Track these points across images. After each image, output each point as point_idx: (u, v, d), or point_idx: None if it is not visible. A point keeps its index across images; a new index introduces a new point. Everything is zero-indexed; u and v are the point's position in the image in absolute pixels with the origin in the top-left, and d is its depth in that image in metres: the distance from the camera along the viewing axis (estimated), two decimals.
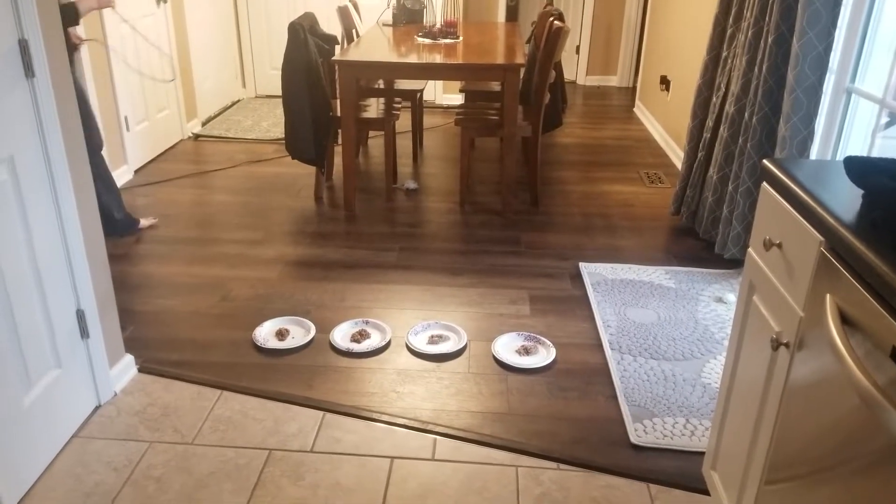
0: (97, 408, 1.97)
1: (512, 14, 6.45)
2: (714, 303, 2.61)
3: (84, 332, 1.89)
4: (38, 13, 1.64)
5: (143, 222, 3.17)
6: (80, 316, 1.87)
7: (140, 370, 2.15)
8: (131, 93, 3.88)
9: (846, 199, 1.14)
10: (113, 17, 3.62)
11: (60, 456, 1.80)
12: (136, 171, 3.95)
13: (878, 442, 0.92)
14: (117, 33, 3.70)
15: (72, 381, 1.86)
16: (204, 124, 4.87)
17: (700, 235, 3.10)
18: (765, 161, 1.35)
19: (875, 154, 2.28)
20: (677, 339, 2.38)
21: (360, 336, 2.34)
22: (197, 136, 4.63)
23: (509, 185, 3.36)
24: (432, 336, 2.36)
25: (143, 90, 4.02)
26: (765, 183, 1.35)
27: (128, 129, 3.83)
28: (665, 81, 4.62)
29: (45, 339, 1.75)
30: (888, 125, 2.30)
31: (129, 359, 2.12)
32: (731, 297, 2.63)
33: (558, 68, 4.02)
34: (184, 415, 1.96)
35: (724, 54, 2.93)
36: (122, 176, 3.77)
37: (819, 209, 1.12)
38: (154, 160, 4.16)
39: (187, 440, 1.86)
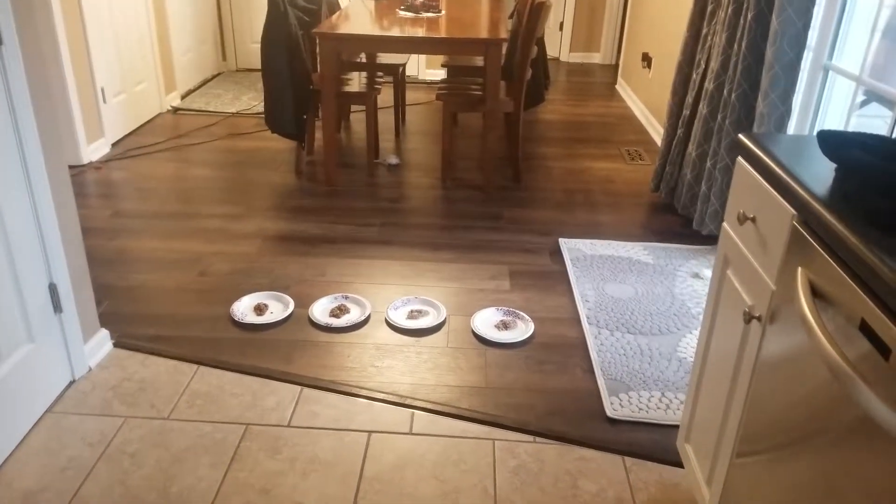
0: (71, 383, 1.95)
1: None
2: (691, 278, 2.64)
3: (57, 307, 1.86)
4: None
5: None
6: (53, 290, 1.84)
7: (115, 345, 2.13)
8: (108, 64, 3.79)
9: (819, 173, 1.15)
10: None
11: (34, 431, 1.78)
12: (114, 145, 3.87)
13: (847, 415, 0.94)
14: (94, 3, 3.59)
15: (45, 355, 1.84)
16: (183, 97, 4.78)
17: (679, 212, 3.12)
18: (740, 135, 1.35)
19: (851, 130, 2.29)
20: (654, 313, 2.40)
21: (339, 311, 2.33)
22: (176, 110, 4.54)
23: (491, 160, 3.35)
24: (412, 311, 2.36)
25: (120, 61, 3.92)
26: (739, 157, 1.35)
27: (104, 101, 3.75)
28: (647, 59, 4.61)
29: (17, 313, 1.72)
30: (864, 104, 2.31)
31: (104, 333, 2.10)
32: (708, 273, 2.66)
33: (541, 44, 3.99)
34: (160, 389, 1.95)
35: (705, 31, 2.92)
36: (98, 149, 3.70)
37: (792, 183, 1.13)
38: (132, 133, 4.08)
39: (163, 415, 1.85)
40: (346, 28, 3.24)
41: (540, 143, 4.15)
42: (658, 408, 1.96)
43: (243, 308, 2.34)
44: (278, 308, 2.35)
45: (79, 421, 1.82)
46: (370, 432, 1.83)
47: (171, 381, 1.98)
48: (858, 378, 0.84)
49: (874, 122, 2.34)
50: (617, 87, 5.51)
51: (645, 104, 4.64)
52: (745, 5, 2.55)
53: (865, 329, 0.91)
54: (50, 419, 1.82)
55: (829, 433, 0.98)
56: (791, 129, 2.48)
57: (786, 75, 2.33)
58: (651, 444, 1.83)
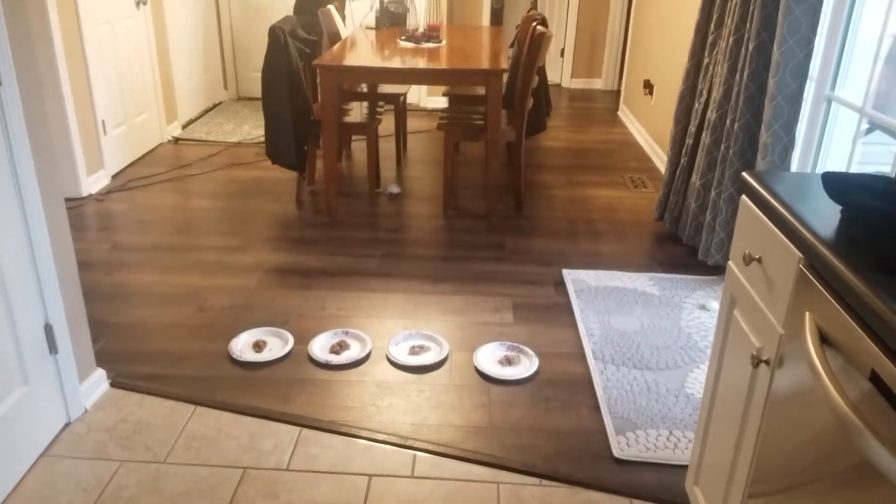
0: (66, 425, 1.92)
1: (497, 17, 6.43)
2: (697, 310, 2.60)
3: (52, 348, 1.84)
4: (5, 19, 1.58)
5: None
6: (49, 331, 1.82)
7: (112, 385, 2.10)
8: (109, 96, 3.81)
9: (825, 215, 1.12)
10: (90, 18, 3.55)
11: (28, 476, 1.74)
12: (114, 176, 3.88)
13: (852, 460, 0.92)
14: (95, 35, 3.63)
15: (39, 398, 1.80)
16: (184, 127, 4.80)
17: (684, 241, 3.09)
18: (744, 174, 1.33)
19: (856, 161, 2.27)
20: (661, 347, 2.36)
21: (339, 347, 2.30)
22: (177, 140, 4.56)
23: (493, 190, 3.34)
24: (413, 346, 2.32)
25: (121, 93, 3.95)
26: (744, 196, 1.33)
27: (105, 133, 3.76)
28: (648, 86, 4.62)
29: (11, 355, 1.69)
30: (868, 131, 2.29)
31: (100, 373, 2.07)
32: (715, 305, 2.62)
33: (542, 73, 4.00)
34: (156, 431, 1.91)
35: (706, 61, 2.92)
36: (99, 181, 3.70)
37: (798, 225, 1.10)
38: (132, 164, 4.09)
39: (159, 459, 1.81)
40: (347, 59, 3.25)
41: (542, 170, 4.14)
42: (666, 447, 1.91)
43: (242, 345, 2.31)
44: (277, 344, 2.32)
45: (74, 465, 1.78)
46: (371, 476, 1.78)
47: (167, 422, 1.95)
48: (867, 429, 0.81)
49: (878, 149, 2.32)
50: (619, 113, 5.52)
51: (647, 131, 4.63)
52: (746, 36, 2.55)
53: (875, 379, 0.88)
54: (45, 463, 1.78)
55: (838, 477, 0.96)
56: (795, 159, 2.46)
57: (789, 106, 2.32)
58: (659, 485, 1.78)
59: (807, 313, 1.06)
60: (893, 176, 1.19)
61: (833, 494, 0.97)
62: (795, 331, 1.10)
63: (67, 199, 3.41)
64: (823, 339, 1.01)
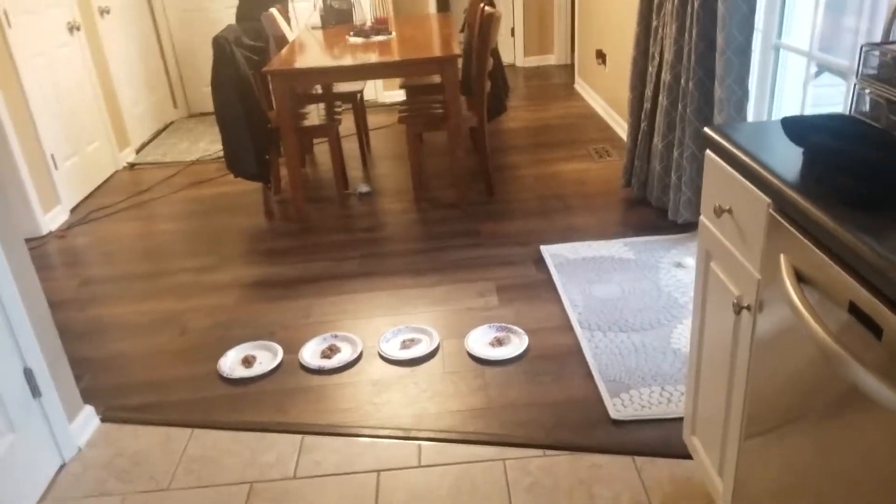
0: (62, 466, 1.88)
1: (443, 4, 6.40)
2: (674, 268, 2.64)
3: (35, 391, 1.80)
4: None
5: None
6: (29, 374, 1.78)
7: (103, 420, 2.06)
8: (55, 128, 3.71)
9: (788, 159, 1.15)
10: (23, 51, 3.45)
11: None
12: (72, 210, 3.79)
13: (838, 389, 0.96)
14: (31, 67, 3.53)
15: (29, 444, 1.77)
16: (138, 151, 4.71)
17: (653, 204, 3.14)
18: (705, 129, 1.35)
19: (809, 104, 2.33)
20: (643, 309, 2.40)
21: (329, 351, 2.29)
22: (132, 165, 4.47)
23: (461, 177, 3.34)
24: (404, 340, 2.33)
25: (67, 124, 3.85)
26: (708, 150, 1.36)
27: (56, 167, 3.66)
28: (601, 55, 4.66)
29: None
30: (817, 74, 2.35)
31: (88, 410, 2.03)
32: (690, 261, 2.67)
33: (496, 54, 4.01)
34: (155, 461, 1.89)
35: (655, 23, 2.95)
36: (57, 217, 3.61)
37: (763, 171, 1.13)
38: (89, 196, 4.00)
39: (162, 486, 1.79)
40: (298, 62, 3.22)
41: (508, 152, 4.16)
42: (660, 402, 1.95)
43: (230, 362, 2.29)
44: (266, 357, 2.30)
45: None
46: (378, 471, 1.79)
47: (165, 449, 1.93)
48: (849, 356, 0.84)
49: (829, 91, 2.38)
50: (575, 86, 5.56)
51: (605, 100, 4.68)
52: None
53: (854, 310, 0.91)
54: None
55: (825, 408, 1.00)
56: (751, 110, 2.50)
57: (738, 59, 2.36)
58: (658, 440, 1.82)
59: (781, 255, 1.09)
60: (847, 114, 1.23)
61: (823, 424, 1.01)
62: (772, 274, 1.14)
63: (27, 240, 3.33)
64: (800, 279, 1.05)
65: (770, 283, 1.15)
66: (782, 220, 1.08)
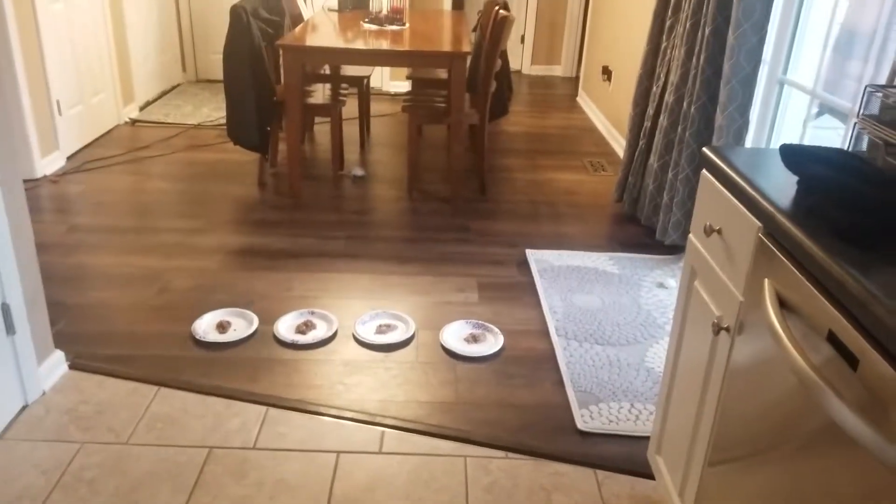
0: (24, 407, 1.86)
1: (458, 3, 6.42)
2: (656, 288, 2.67)
3: (10, 328, 1.78)
4: None
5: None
6: (6, 310, 1.76)
7: (71, 367, 2.04)
8: (65, 75, 3.67)
9: (782, 186, 1.17)
10: None
11: None
12: (69, 158, 3.75)
13: (815, 422, 0.95)
14: (49, 11, 3.48)
15: None
16: (142, 109, 4.67)
17: (642, 222, 3.17)
18: (704, 149, 1.37)
19: (807, 142, 2.36)
20: (621, 324, 2.42)
21: (305, 327, 2.29)
22: (134, 122, 4.43)
23: (457, 172, 3.35)
24: (380, 325, 2.33)
25: (76, 73, 3.81)
26: (704, 170, 1.37)
27: (60, 113, 3.63)
28: (607, 71, 4.69)
29: None
30: (818, 114, 2.39)
31: (59, 355, 2.01)
32: (672, 283, 2.70)
33: (504, 57, 4.02)
34: (118, 413, 1.87)
35: (664, 45, 2.98)
36: (53, 162, 3.57)
37: (757, 196, 1.15)
38: (88, 146, 3.96)
39: (122, 440, 1.78)
40: (310, 40, 3.21)
41: (504, 154, 4.17)
42: (628, 419, 1.97)
43: (205, 326, 2.27)
44: (242, 325, 2.29)
45: (32, 448, 1.73)
46: (339, 452, 1.79)
47: (129, 403, 1.91)
48: (827, 387, 0.85)
49: (828, 133, 2.42)
50: (578, 99, 5.59)
51: (606, 116, 4.71)
52: (702, 21, 2.62)
53: (833, 340, 0.93)
54: (1, 447, 1.73)
55: (798, 440, 0.99)
56: (749, 140, 2.54)
57: (743, 89, 2.39)
58: (622, 456, 1.84)
59: (766, 280, 1.10)
60: (846, 149, 1.25)
61: (794, 458, 1.00)
62: (754, 298, 1.15)
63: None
64: (781, 304, 1.06)
65: (752, 307, 1.17)
66: (771, 245, 1.10)
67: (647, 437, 1.89)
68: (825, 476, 0.93)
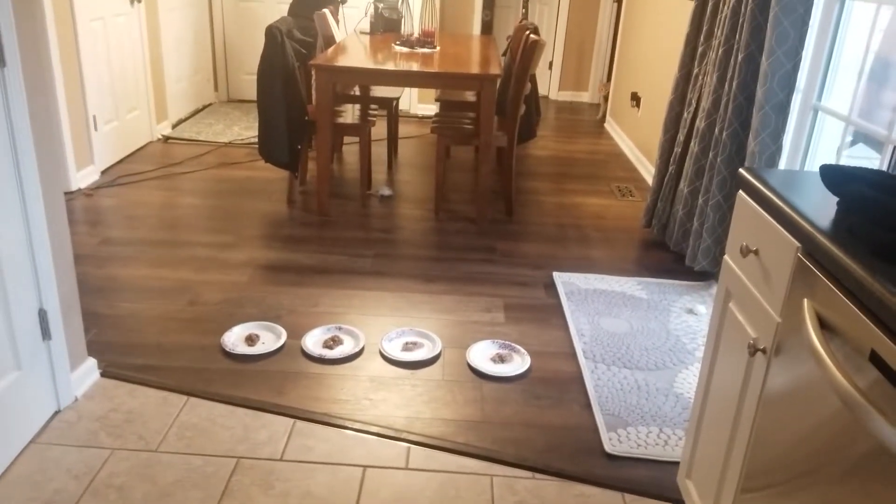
0: (56, 413, 1.89)
1: (487, 28, 6.52)
2: (685, 314, 2.64)
3: (46, 333, 1.82)
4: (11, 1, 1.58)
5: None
6: (43, 316, 1.80)
7: (103, 374, 2.08)
8: (101, 91, 3.79)
9: (820, 206, 1.16)
10: (84, 13, 3.54)
11: (17, 462, 1.72)
12: (103, 172, 3.85)
13: (859, 446, 0.93)
14: (89, 30, 3.61)
15: (31, 383, 1.78)
16: (174, 126, 4.78)
17: (671, 248, 3.15)
18: (741, 170, 1.37)
19: None
20: (650, 348, 2.39)
21: (332, 342, 2.30)
22: (167, 139, 4.54)
23: (484, 193, 3.37)
24: (406, 343, 2.33)
25: (113, 90, 3.93)
26: (741, 191, 1.37)
27: (96, 128, 3.74)
28: (636, 98, 4.70)
29: (5, 338, 1.68)
30: (853, 144, 2.37)
31: (91, 362, 2.05)
32: (702, 309, 2.67)
33: (533, 81, 4.06)
34: (148, 421, 1.89)
35: (696, 71, 2.99)
36: (88, 176, 3.67)
37: (795, 215, 1.14)
38: (122, 161, 4.06)
39: (151, 447, 1.80)
40: (343, 61, 3.28)
41: (531, 177, 4.19)
42: (657, 444, 1.94)
43: (234, 338, 2.30)
44: (270, 338, 2.31)
45: (64, 452, 1.76)
46: (365, 467, 1.79)
47: (159, 412, 1.93)
48: (872, 408, 0.84)
49: (861, 163, 2.40)
50: (606, 125, 5.60)
51: (634, 142, 4.71)
52: (735, 47, 2.62)
53: (875, 359, 0.91)
54: (34, 450, 1.76)
55: (840, 465, 0.97)
56: (782, 167, 2.52)
57: (776, 115, 2.39)
58: (650, 480, 1.81)
59: (805, 300, 1.09)
60: (885, 170, 1.24)
61: (835, 484, 0.97)
62: (793, 319, 1.14)
63: None
64: (821, 325, 1.05)
65: (790, 328, 1.15)
66: (810, 265, 1.09)
67: (677, 463, 1.86)
68: (869, 500, 0.90)
